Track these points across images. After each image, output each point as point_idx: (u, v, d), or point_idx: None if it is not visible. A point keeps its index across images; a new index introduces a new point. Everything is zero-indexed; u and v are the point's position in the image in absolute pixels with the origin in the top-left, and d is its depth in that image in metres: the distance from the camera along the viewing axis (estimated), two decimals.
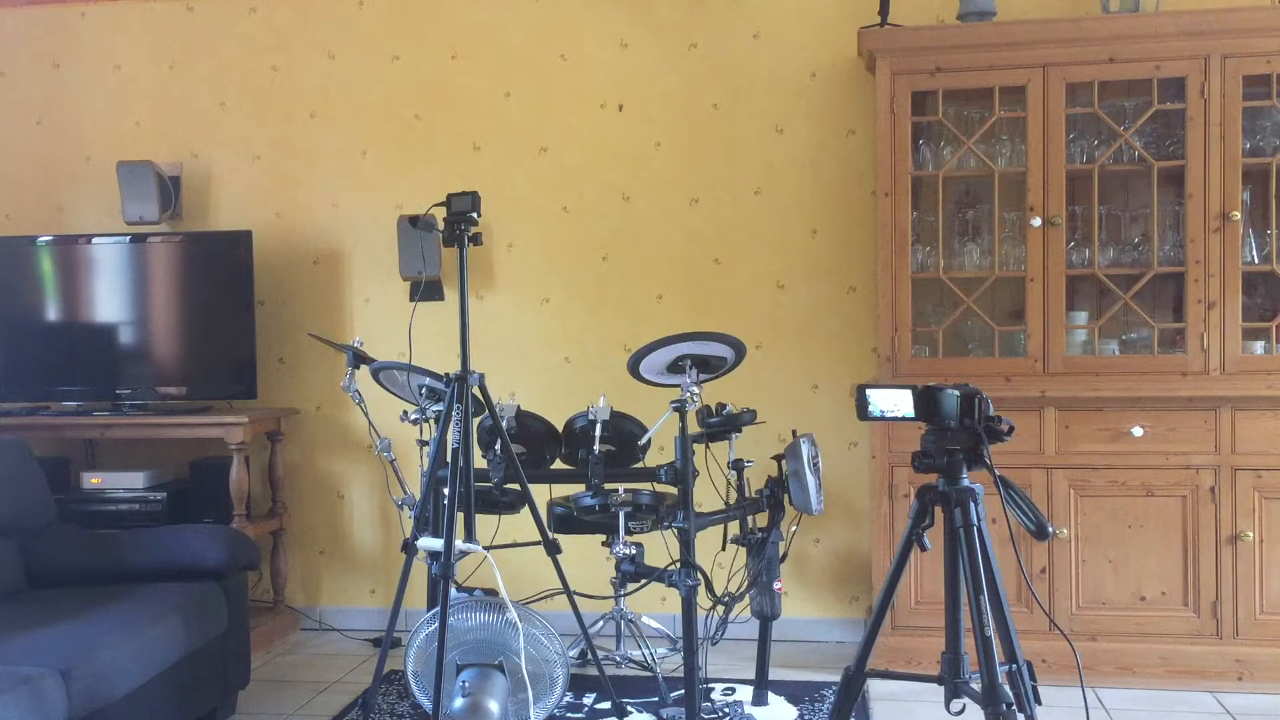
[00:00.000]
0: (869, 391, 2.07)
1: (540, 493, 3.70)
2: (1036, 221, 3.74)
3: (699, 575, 3.20)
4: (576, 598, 3.28)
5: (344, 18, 4.51)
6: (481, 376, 3.24)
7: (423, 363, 3.59)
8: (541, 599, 4.03)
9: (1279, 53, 3.62)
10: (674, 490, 3.37)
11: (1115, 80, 3.76)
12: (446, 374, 3.24)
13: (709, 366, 3.39)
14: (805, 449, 3.44)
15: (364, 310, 4.55)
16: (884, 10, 3.94)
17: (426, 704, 3.10)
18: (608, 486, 3.38)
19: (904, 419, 2.07)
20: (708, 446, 3.63)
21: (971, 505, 2.06)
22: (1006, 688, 2.02)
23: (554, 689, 3.07)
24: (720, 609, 3.47)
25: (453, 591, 3.00)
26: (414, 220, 3.42)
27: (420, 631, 3.10)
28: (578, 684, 3.72)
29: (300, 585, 4.64)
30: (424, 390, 3.52)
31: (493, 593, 3.07)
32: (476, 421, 3.42)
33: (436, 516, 3.33)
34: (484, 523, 3.65)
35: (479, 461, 3.37)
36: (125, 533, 3.63)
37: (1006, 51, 3.75)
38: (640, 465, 3.50)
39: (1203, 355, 3.67)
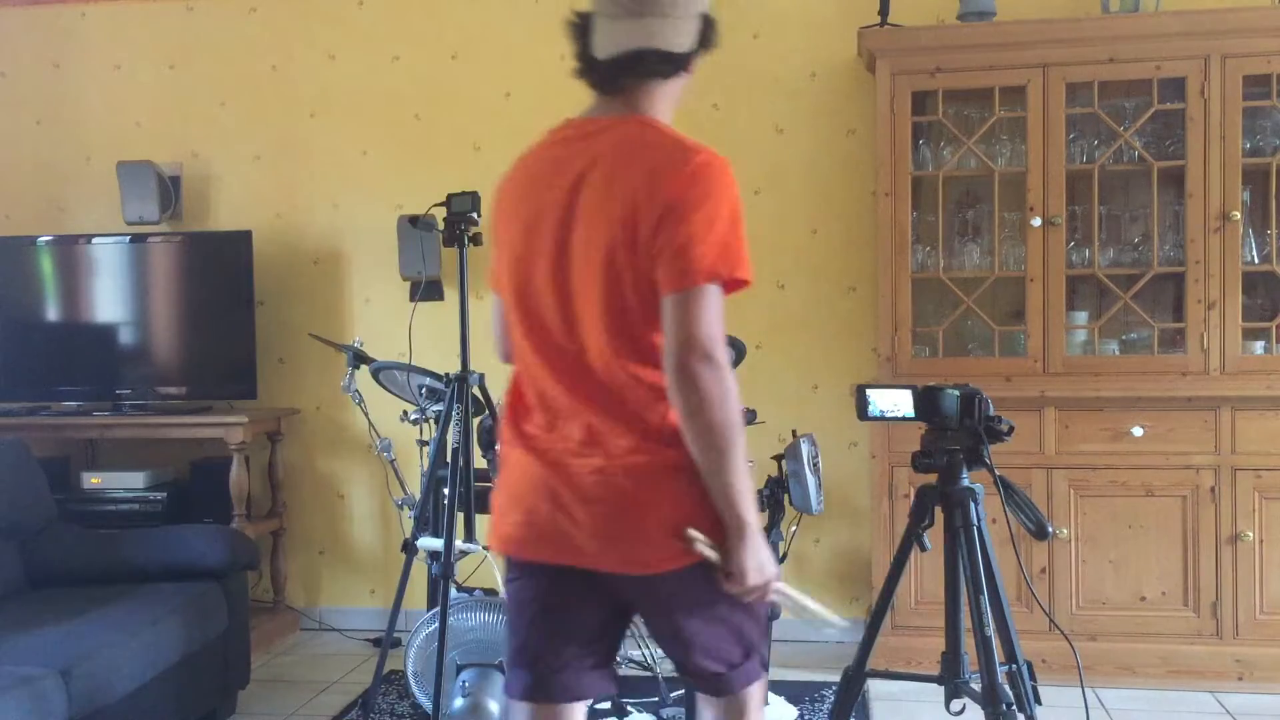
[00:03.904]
0: (869, 391, 2.07)
1: None
2: (1036, 221, 3.74)
3: None
4: None
5: (344, 18, 4.50)
6: (482, 376, 3.24)
7: (423, 363, 3.59)
8: None
9: (1279, 53, 3.62)
10: None
11: (1115, 80, 3.76)
12: (446, 374, 3.24)
13: None
14: (805, 449, 3.43)
15: (364, 310, 4.54)
16: (884, 10, 3.93)
17: (426, 704, 3.10)
18: None
19: (904, 419, 2.07)
20: None
21: (971, 505, 2.06)
22: (1006, 688, 2.02)
23: None
24: None
25: (453, 591, 3.00)
26: (414, 220, 3.42)
27: (420, 631, 3.10)
28: None
29: (300, 585, 4.64)
30: (424, 390, 3.52)
31: (493, 593, 3.07)
32: (476, 421, 3.42)
33: (436, 516, 3.33)
34: (484, 523, 3.65)
35: (479, 461, 3.37)
36: (125, 533, 3.63)
37: (1006, 51, 3.75)
38: None
39: (1203, 355, 3.67)
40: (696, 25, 1.79)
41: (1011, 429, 2.05)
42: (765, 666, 1.95)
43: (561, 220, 1.74)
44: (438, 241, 4.25)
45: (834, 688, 3.69)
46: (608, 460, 1.72)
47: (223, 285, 4.38)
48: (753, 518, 1.67)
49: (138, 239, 4.41)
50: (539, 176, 1.80)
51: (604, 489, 1.72)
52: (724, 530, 1.68)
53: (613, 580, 1.77)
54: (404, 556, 3.27)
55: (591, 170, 1.72)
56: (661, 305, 1.68)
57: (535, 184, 1.79)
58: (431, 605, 3.20)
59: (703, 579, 1.72)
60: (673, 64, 1.77)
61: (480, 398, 3.31)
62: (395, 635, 4.26)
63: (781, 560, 3.59)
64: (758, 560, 1.69)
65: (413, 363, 3.54)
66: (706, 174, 1.70)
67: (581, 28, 1.80)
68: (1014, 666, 2.06)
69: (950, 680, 2.06)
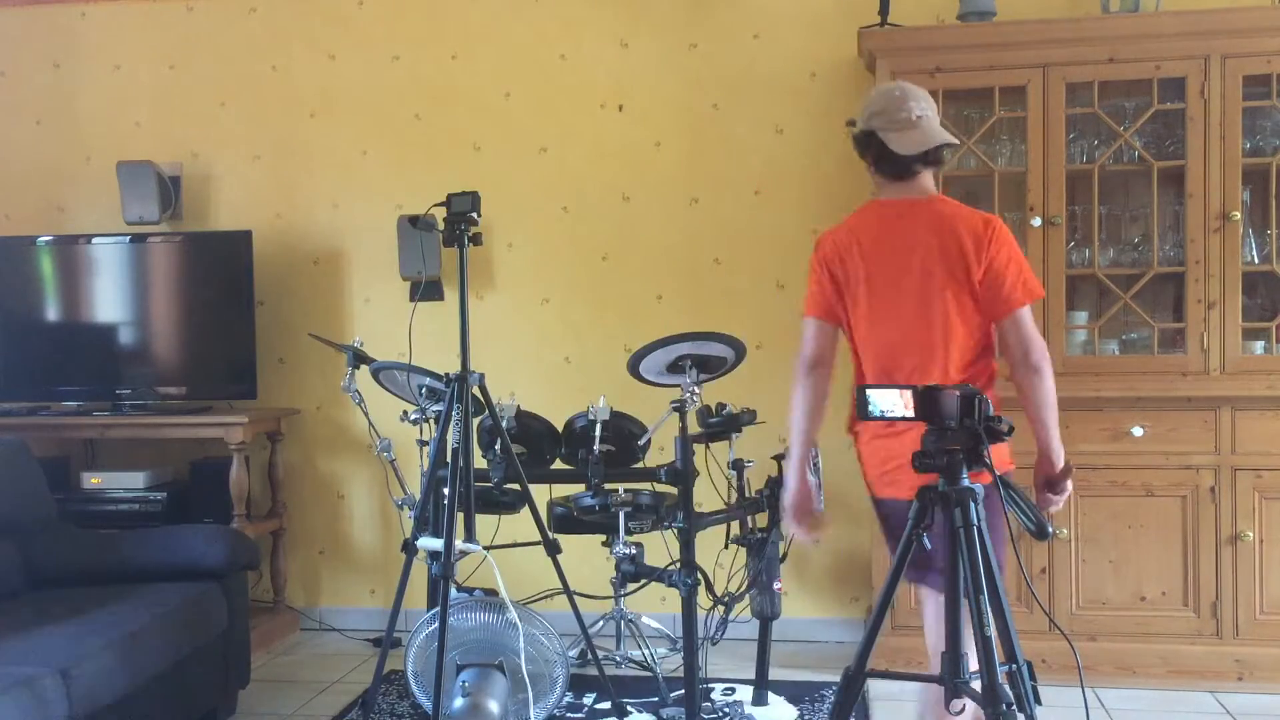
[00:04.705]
0: (869, 391, 2.07)
1: (540, 493, 3.70)
2: (1036, 221, 3.74)
3: (699, 575, 3.20)
4: (576, 598, 3.28)
5: (344, 18, 4.50)
6: (481, 376, 3.24)
7: (423, 363, 3.59)
8: (541, 599, 4.02)
9: (1279, 53, 3.62)
10: (674, 490, 3.37)
11: (1115, 80, 3.76)
12: (446, 374, 3.24)
13: (709, 366, 3.39)
14: None
15: (364, 310, 4.54)
16: (884, 10, 3.93)
17: (426, 704, 3.10)
18: (608, 486, 3.38)
19: (904, 419, 2.07)
20: (708, 446, 3.63)
21: (971, 505, 2.06)
22: (1006, 688, 2.02)
23: (554, 689, 3.07)
24: (720, 609, 3.47)
25: (453, 591, 3.00)
26: (414, 220, 3.42)
27: (420, 631, 3.10)
28: (578, 684, 3.72)
29: (300, 585, 4.64)
30: (424, 390, 3.52)
31: (493, 593, 3.07)
32: (476, 421, 3.42)
33: (436, 516, 3.33)
34: (484, 523, 3.65)
35: (479, 461, 3.37)
36: (125, 533, 3.63)
37: (1006, 51, 3.75)
38: (640, 465, 3.50)
39: (1203, 355, 3.67)
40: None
41: (1011, 429, 2.05)
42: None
43: (919, 270, 2.47)
44: (438, 241, 4.25)
45: (834, 688, 3.69)
46: None
47: (223, 285, 4.38)
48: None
49: (138, 239, 4.41)
50: (896, 239, 2.51)
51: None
52: (1051, 462, 2.47)
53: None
54: (404, 556, 3.26)
55: (931, 236, 2.47)
56: (999, 326, 2.47)
57: (894, 244, 2.51)
58: (431, 605, 3.20)
59: (997, 499, 2.26)
60: (950, 151, 2.62)
61: (480, 398, 3.30)
62: (395, 635, 4.26)
63: (782, 560, 3.60)
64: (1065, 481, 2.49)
65: (413, 363, 3.53)
66: (1004, 235, 2.47)
67: (867, 139, 2.57)
68: (1014, 666, 2.05)
69: (950, 680, 2.06)
